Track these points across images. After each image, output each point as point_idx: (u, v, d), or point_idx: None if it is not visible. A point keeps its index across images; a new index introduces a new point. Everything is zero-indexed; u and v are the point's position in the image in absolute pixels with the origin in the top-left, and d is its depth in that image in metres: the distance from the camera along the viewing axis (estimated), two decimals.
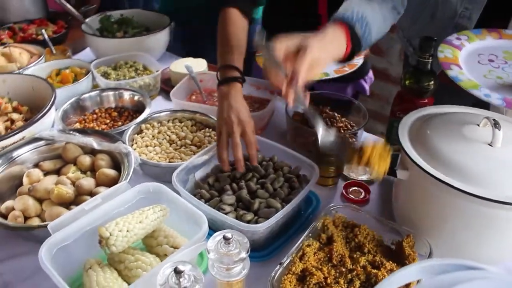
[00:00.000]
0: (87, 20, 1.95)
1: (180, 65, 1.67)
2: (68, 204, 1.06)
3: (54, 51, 1.83)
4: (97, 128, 1.40)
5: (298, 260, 0.88)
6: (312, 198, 1.13)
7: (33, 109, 1.40)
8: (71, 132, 1.23)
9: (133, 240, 0.87)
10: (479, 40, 1.20)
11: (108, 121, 1.45)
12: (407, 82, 1.13)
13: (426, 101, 1.13)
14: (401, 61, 2.50)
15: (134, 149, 1.25)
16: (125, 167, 1.12)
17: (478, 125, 0.93)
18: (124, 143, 1.19)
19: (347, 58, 1.07)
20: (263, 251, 0.98)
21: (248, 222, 0.97)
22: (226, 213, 0.98)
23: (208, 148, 1.15)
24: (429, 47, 1.07)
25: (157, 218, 0.91)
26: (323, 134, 1.00)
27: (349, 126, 1.35)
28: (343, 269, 0.87)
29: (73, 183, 1.11)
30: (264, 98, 1.54)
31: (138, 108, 1.48)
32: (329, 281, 0.85)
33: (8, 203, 1.07)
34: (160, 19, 2.01)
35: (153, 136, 1.33)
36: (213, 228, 0.97)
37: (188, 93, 1.61)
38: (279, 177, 1.08)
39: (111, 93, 1.54)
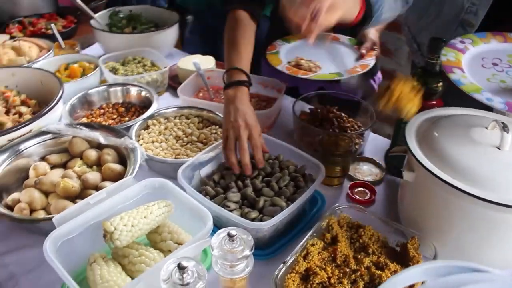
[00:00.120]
0: (96, 15, 1.96)
1: (188, 62, 1.67)
2: (73, 197, 1.07)
3: (63, 46, 1.84)
4: (104, 123, 1.41)
5: (302, 259, 0.88)
6: (318, 198, 1.12)
7: (41, 102, 1.41)
8: (78, 126, 1.23)
9: (138, 235, 0.87)
10: (484, 43, 1.19)
11: (115, 116, 1.45)
12: None
13: (434, 102, 1.12)
14: (409, 62, 2.49)
15: (141, 145, 1.25)
16: (131, 162, 1.12)
17: (487, 128, 0.92)
18: (130, 138, 1.20)
19: (358, 23, 1.07)
20: (267, 249, 0.98)
21: (253, 220, 0.97)
22: (231, 211, 0.98)
23: (214, 145, 1.15)
24: (437, 48, 1.06)
25: (161, 214, 0.91)
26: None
27: (356, 126, 1.35)
28: (347, 270, 0.87)
29: (79, 177, 1.11)
30: (271, 96, 1.54)
31: (145, 104, 1.48)
32: (332, 281, 0.84)
33: (15, 195, 1.08)
34: (169, 15, 2.02)
35: (159, 132, 1.33)
36: (218, 225, 0.97)
37: (196, 90, 1.61)
38: (284, 176, 1.08)
39: (118, 88, 1.55)
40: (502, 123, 0.87)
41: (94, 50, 2.00)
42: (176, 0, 2.30)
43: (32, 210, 1.05)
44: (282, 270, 0.85)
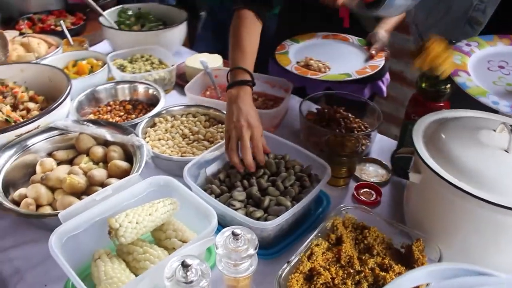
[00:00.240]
0: (105, 12, 1.97)
1: (196, 60, 1.67)
2: (79, 194, 1.07)
3: (71, 42, 1.85)
4: (111, 120, 1.41)
5: (306, 259, 0.87)
6: (323, 198, 1.12)
7: (49, 99, 1.42)
8: (85, 123, 1.24)
9: (142, 232, 0.87)
10: (490, 46, 1.18)
11: (122, 113, 1.46)
12: (422, 85, 1.12)
13: (442, 104, 1.12)
14: None
15: (147, 142, 1.25)
16: (137, 159, 1.12)
17: (495, 130, 0.91)
18: (137, 135, 1.20)
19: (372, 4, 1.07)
20: (271, 249, 0.98)
21: (258, 219, 0.96)
22: (236, 209, 0.98)
23: (220, 144, 1.15)
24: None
25: (167, 212, 0.91)
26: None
27: (363, 127, 1.34)
28: (351, 270, 0.86)
29: (85, 174, 1.12)
30: (279, 96, 1.53)
31: (153, 102, 1.49)
32: (336, 281, 0.84)
33: (21, 190, 1.09)
34: (177, 13, 2.02)
35: (166, 130, 1.33)
36: (223, 223, 0.97)
37: (203, 88, 1.61)
38: (290, 176, 1.08)
39: (126, 85, 1.55)
40: (511, 125, 0.86)
41: (103, 47, 2.01)
42: None
43: (38, 206, 1.05)
44: (286, 270, 0.85)
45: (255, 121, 1.10)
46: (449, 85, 1.09)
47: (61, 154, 1.20)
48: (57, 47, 1.71)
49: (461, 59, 1.10)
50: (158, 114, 1.37)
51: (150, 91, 1.52)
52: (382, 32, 1.57)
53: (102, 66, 1.60)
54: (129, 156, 1.18)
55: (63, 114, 1.32)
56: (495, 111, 1.01)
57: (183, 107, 1.42)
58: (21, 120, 1.27)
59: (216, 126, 1.36)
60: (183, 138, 1.31)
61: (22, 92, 1.40)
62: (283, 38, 1.64)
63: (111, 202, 0.91)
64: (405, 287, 0.55)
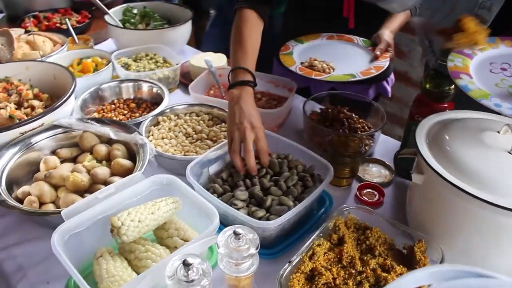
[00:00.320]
0: (110, 11, 1.97)
1: (200, 59, 1.68)
2: (82, 192, 1.08)
3: (77, 41, 1.86)
4: (115, 118, 1.42)
5: (307, 259, 0.87)
6: (325, 198, 1.12)
7: (53, 97, 1.42)
8: (89, 121, 1.24)
9: (144, 230, 0.88)
10: (492, 48, 1.17)
11: (126, 112, 1.46)
12: (427, 85, 1.12)
13: (446, 105, 1.11)
14: (422, 64, 2.47)
15: (150, 141, 1.26)
16: (140, 158, 1.13)
17: (499, 132, 0.91)
18: (140, 134, 1.20)
19: None
20: (273, 248, 0.98)
21: (260, 218, 0.96)
22: (238, 209, 0.98)
23: (223, 143, 1.15)
24: (450, 50, 1.05)
25: (169, 210, 0.91)
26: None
27: (366, 127, 1.34)
28: (353, 271, 0.86)
29: (89, 172, 1.12)
30: (282, 95, 1.53)
31: (157, 100, 1.49)
32: (337, 282, 0.84)
33: (25, 188, 1.09)
34: (182, 12, 2.03)
35: (169, 129, 1.34)
36: (225, 223, 0.98)
37: (207, 87, 1.61)
38: (293, 175, 1.08)
39: (130, 84, 1.56)
40: None
41: (108, 45, 2.02)
42: None
43: (41, 203, 1.06)
44: (288, 270, 0.85)
45: (257, 122, 1.09)
46: (453, 86, 1.09)
47: (65, 152, 1.20)
48: (62, 45, 1.72)
49: (463, 62, 1.09)
50: (161, 113, 1.37)
51: (154, 89, 1.53)
52: (387, 32, 1.56)
53: (107, 65, 1.60)
54: (132, 154, 1.18)
55: (67, 112, 1.32)
56: (499, 113, 1.01)
57: (186, 106, 1.42)
58: (26, 117, 1.28)
59: (219, 125, 1.36)
60: (186, 137, 1.31)
61: (27, 89, 1.40)
62: (288, 38, 1.64)
63: (113, 201, 0.91)
64: None
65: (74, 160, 1.21)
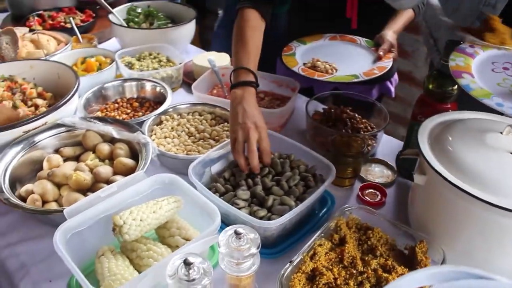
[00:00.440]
0: (114, 10, 1.98)
1: (203, 58, 1.68)
2: (85, 190, 1.08)
3: (81, 40, 1.86)
4: (118, 117, 1.42)
5: (308, 259, 0.87)
6: (327, 198, 1.12)
7: (57, 95, 1.43)
8: (92, 120, 1.24)
9: (146, 229, 0.88)
10: (494, 48, 1.17)
11: (129, 111, 1.47)
12: (430, 86, 1.12)
13: (449, 106, 1.11)
14: (426, 64, 2.47)
15: (153, 140, 1.26)
16: (142, 157, 1.13)
17: (501, 133, 0.91)
18: (143, 133, 1.21)
19: None
20: (274, 248, 0.98)
21: (261, 218, 0.97)
22: (239, 208, 0.98)
23: (225, 143, 1.15)
24: (453, 50, 1.05)
25: (171, 209, 0.92)
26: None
27: (369, 127, 1.34)
28: (354, 271, 0.86)
29: (91, 170, 1.12)
30: (285, 95, 1.53)
31: (160, 100, 1.49)
32: (338, 282, 0.84)
33: (28, 186, 1.10)
34: (186, 11, 2.03)
35: (172, 128, 1.34)
36: (226, 222, 0.98)
37: (210, 86, 1.61)
38: (295, 175, 1.08)
39: (133, 83, 1.56)
40: None
41: (111, 44, 2.02)
42: None
43: (44, 202, 1.06)
44: (289, 270, 0.85)
45: (261, 122, 1.10)
46: (456, 87, 1.09)
47: (68, 151, 1.21)
48: (66, 44, 1.73)
49: (464, 61, 1.09)
50: (164, 112, 1.37)
51: (157, 89, 1.53)
52: (390, 33, 1.56)
53: (110, 64, 1.61)
54: (135, 153, 1.19)
55: (70, 111, 1.33)
56: (501, 113, 1.00)
57: (189, 105, 1.42)
58: (30, 116, 1.28)
59: (222, 124, 1.36)
60: (189, 136, 1.32)
61: (31, 88, 1.41)
62: (292, 37, 1.64)
63: (115, 199, 0.92)
64: None
65: (77, 158, 1.21)
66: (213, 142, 1.28)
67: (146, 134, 1.25)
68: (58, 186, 1.09)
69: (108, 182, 1.09)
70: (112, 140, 1.23)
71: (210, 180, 1.12)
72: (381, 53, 1.50)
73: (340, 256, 0.89)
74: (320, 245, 0.91)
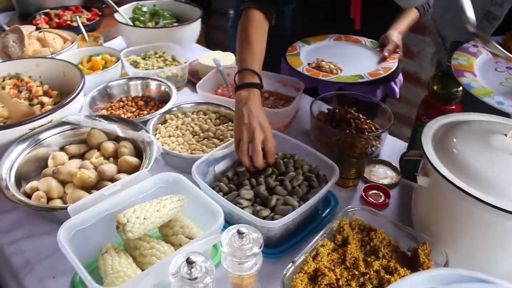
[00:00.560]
0: (120, 9, 1.99)
1: (209, 57, 1.68)
2: (89, 188, 1.09)
3: (87, 38, 1.87)
4: (123, 115, 1.43)
5: (311, 259, 0.88)
6: (331, 199, 1.12)
7: (62, 93, 1.44)
8: (97, 118, 1.25)
9: (150, 228, 0.88)
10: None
11: (134, 109, 1.47)
12: (434, 87, 1.11)
13: (454, 107, 1.11)
14: (432, 65, 2.46)
15: (157, 139, 1.26)
16: (147, 155, 1.14)
17: (506, 135, 0.90)
18: (147, 132, 1.21)
19: None
20: (277, 248, 0.99)
21: (264, 218, 0.97)
22: (243, 208, 0.98)
23: (229, 142, 1.16)
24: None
25: (174, 208, 0.92)
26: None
27: (373, 128, 1.33)
28: (356, 272, 0.86)
29: (96, 168, 1.13)
30: (290, 95, 1.53)
31: (165, 98, 1.50)
32: (340, 283, 0.84)
33: (33, 183, 1.10)
34: (192, 11, 2.03)
35: (176, 127, 1.34)
36: (230, 221, 0.98)
37: (215, 86, 1.62)
38: (298, 175, 1.08)
39: (138, 82, 1.57)
40: None
41: (117, 43, 2.03)
42: None
43: (49, 199, 1.07)
44: (291, 270, 0.85)
45: (266, 123, 1.10)
46: (460, 88, 1.08)
47: (73, 149, 1.22)
48: (72, 43, 1.74)
49: (467, 60, 1.09)
50: (169, 111, 1.38)
51: (162, 87, 1.53)
52: (396, 33, 1.56)
53: (116, 62, 1.61)
54: (139, 152, 1.19)
55: (76, 109, 1.33)
56: (507, 115, 1.00)
57: (194, 104, 1.42)
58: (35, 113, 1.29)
59: (226, 124, 1.36)
60: (193, 135, 1.32)
61: (37, 86, 1.42)
62: (297, 38, 1.64)
63: (119, 197, 0.92)
64: None
65: (82, 156, 1.22)
66: (217, 141, 1.28)
67: (151, 132, 1.26)
68: (63, 183, 1.10)
69: (113, 180, 1.10)
70: (116, 139, 1.24)
71: (213, 179, 1.13)
72: (386, 53, 1.49)
73: (342, 257, 0.90)
74: (322, 245, 0.91)
